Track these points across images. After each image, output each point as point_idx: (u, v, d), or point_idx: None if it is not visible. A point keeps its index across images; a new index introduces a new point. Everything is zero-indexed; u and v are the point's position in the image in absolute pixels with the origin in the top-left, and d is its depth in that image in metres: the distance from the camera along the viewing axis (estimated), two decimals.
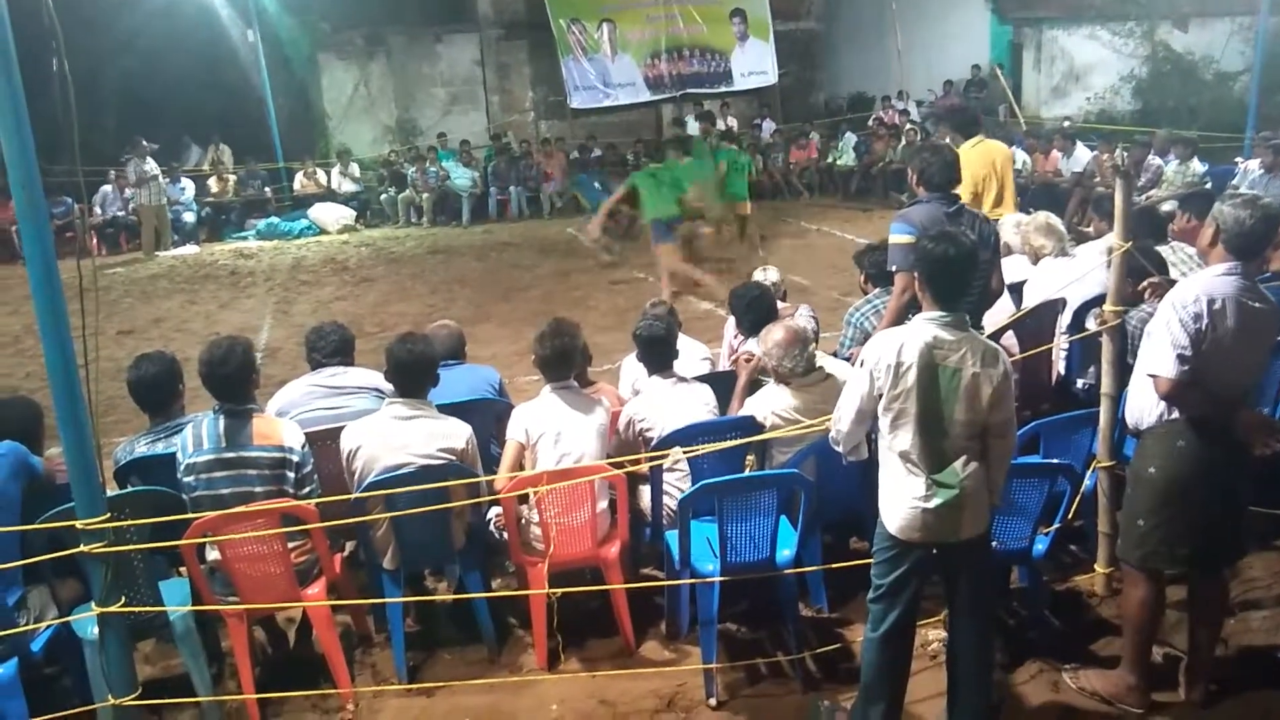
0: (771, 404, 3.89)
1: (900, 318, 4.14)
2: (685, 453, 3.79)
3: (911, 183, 4.63)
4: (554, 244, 13.46)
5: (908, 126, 15.79)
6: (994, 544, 3.37)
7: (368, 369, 4.51)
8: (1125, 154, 9.91)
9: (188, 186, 15.06)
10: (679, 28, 17.83)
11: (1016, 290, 5.22)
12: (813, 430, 3.64)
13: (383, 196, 15.86)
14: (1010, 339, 4.68)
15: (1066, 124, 13.94)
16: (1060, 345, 4.99)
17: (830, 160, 16.43)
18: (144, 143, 13.55)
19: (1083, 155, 11.99)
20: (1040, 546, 3.68)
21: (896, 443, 2.91)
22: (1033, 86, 18.08)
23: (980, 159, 6.28)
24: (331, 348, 4.44)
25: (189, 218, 14.71)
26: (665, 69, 17.96)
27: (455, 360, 4.69)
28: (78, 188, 13.47)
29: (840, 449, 3.11)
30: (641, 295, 9.94)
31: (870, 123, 17.43)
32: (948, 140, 6.46)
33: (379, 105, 17.81)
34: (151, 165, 13.63)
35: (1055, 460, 3.67)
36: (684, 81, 18.08)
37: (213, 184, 15.67)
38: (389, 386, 3.97)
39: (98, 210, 14.17)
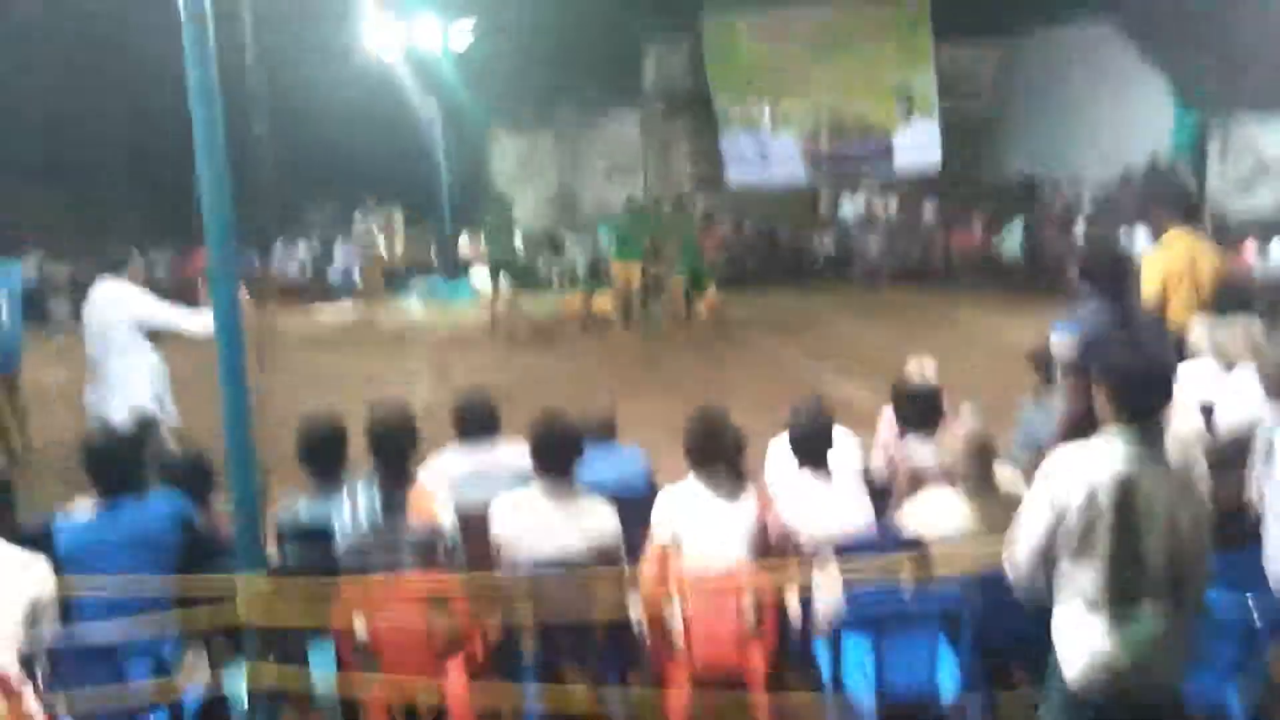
0: (939, 515, 3.66)
1: (1075, 430, 3.86)
2: (843, 568, 3.61)
3: (1078, 281, 4.37)
4: (704, 319, 13.44)
5: (1080, 215, 15.16)
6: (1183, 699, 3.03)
7: (517, 444, 4.52)
8: None
9: (358, 246, 15.92)
10: (841, 106, 17.70)
11: (1208, 403, 4.81)
12: (985, 549, 3.39)
13: (541, 264, 16.31)
14: (1199, 460, 4.30)
15: (1256, 221, 13.05)
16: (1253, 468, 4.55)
17: (995, 246, 15.89)
18: (368, 200, 14.43)
19: (1277, 255, 11.19)
20: (1235, 704, 3.30)
21: (1078, 580, 2.65)
22: (1218, 179, 17.07)
23: (1180, 253, 5.74)
24: (481, 420, 4.47)
25: (356, 276, 15.54)
26: (825, 147, 17.84)
27: (604, 440, 4.66)
28: (260, 242, 14.57)
29: (1015, 587, 2.86)
30: (791, 375, 9.84)
31: (1039, 209, 16.81)
32: (1158, 224, 6.08)
33: (543, 175, 18.44)
34: (369, 221, 14.51)
35: (1251, 596, 3.29)
36: (844, 161, 17.91)
37: (382, 245, 16.49)
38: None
39: (278, 266, 15.11)
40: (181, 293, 15.00)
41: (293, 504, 4.02)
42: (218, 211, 3.26)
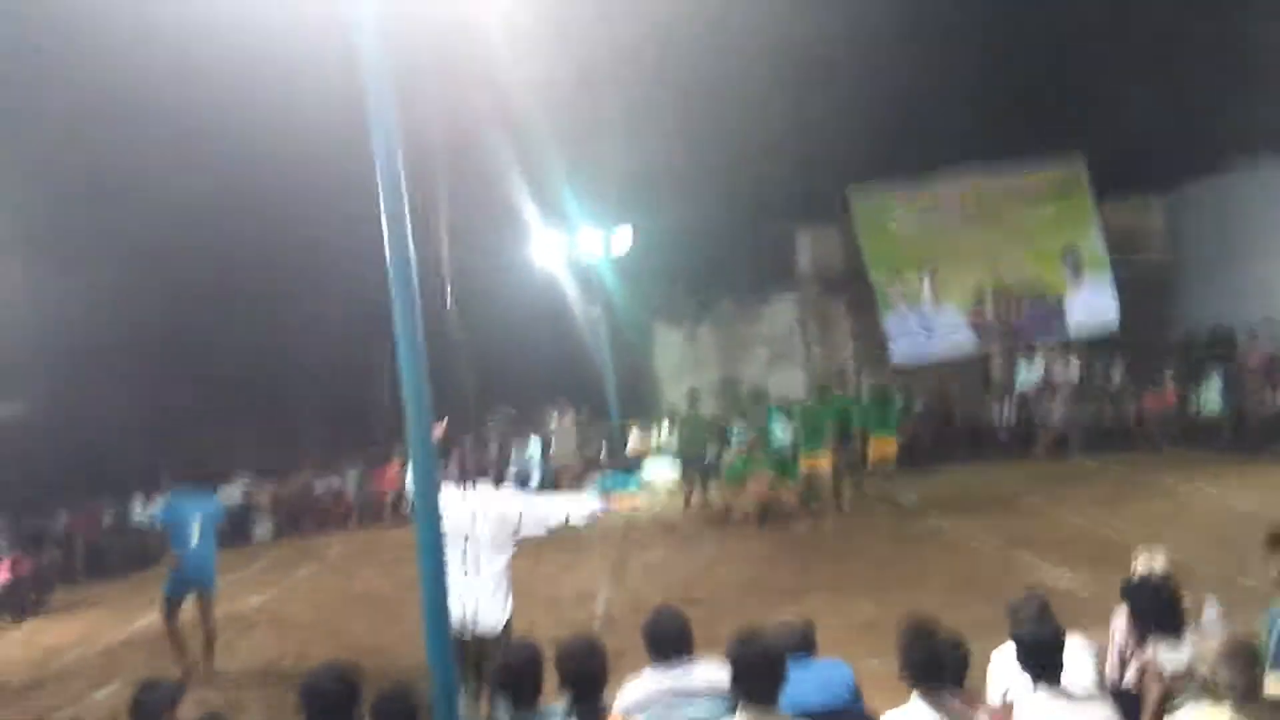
0: None
1: None
2: None
3: None
4: (881, 503, 12.97)
5: None
6: None
7: (714, 662, 4.31)
8: None
9: (536, 446, 16.39)
10: (1006, 273, 17.28)
11: None
12: None
13: (708, 455, 16.27)
14: None
15: None
16: None
17: (1194, 407, 14.80)
18: (565, 400, 15.05)
19: None
20: None
21: None
22: None
23: None
24: (674, 640, 4.29)
25: (536, 474, 15.92)
26: (992, 316, 17.34)
27: (805, 655, 4.39)
28: (444, 451, 15.19)
29: None
30: (986, 563, 9.20)
31: (1237, 360, 15.67)
32: None
33: (705, 365, 18.73)
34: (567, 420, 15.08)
35: None
36: (1013, 329, 17.35)
37: (555, 445, 16.91)
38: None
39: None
40: (373, 507, 15.98)
41: None
42: (419, 425, 3.40)
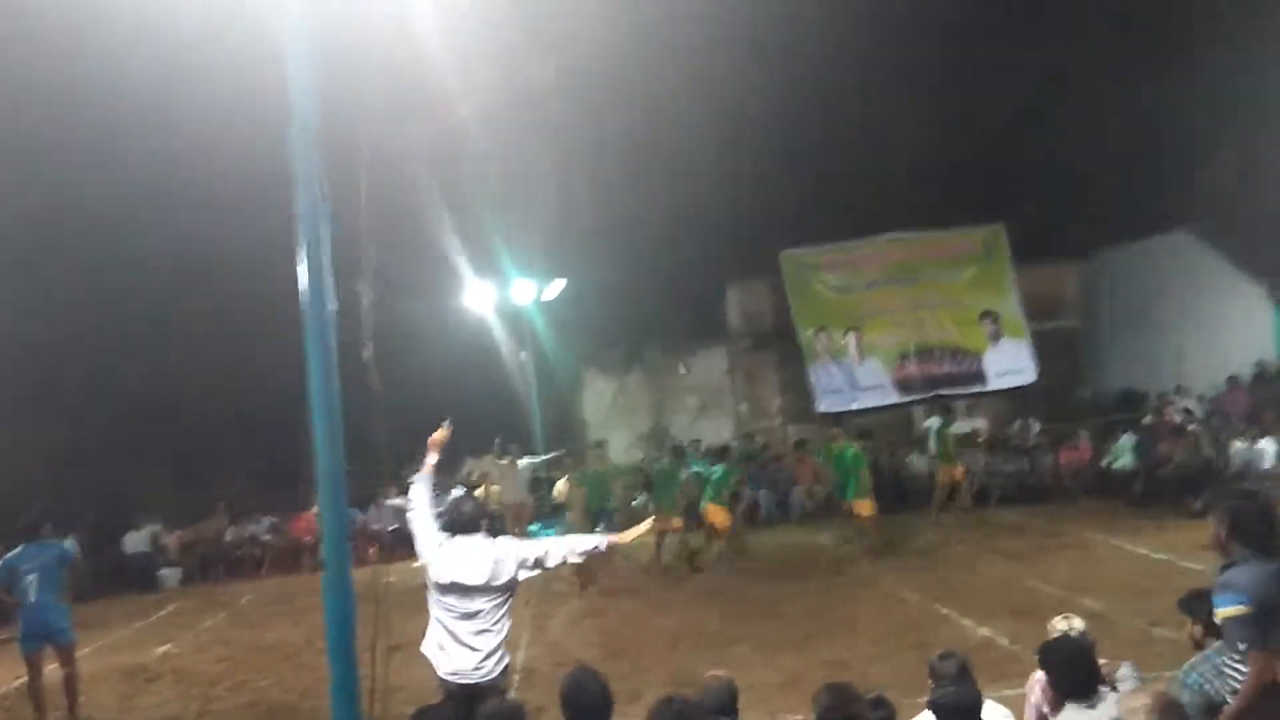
0: None
1: (1255, 708, 3.45)
2: None
3: (1219, 535, 4.01)
4: (806, 552, 13.01)
5: (1190, 426, 14.56)
6: None
7: None
8: None
9: (458, 495, 16.07)
10: (928, 331, 17.75)
11: None
12: None
13: (634, 503, 16.17)
14: None
15: None
16: None
17: (1107, 462, 15.26)
18: (497, 441, 14.75)
19: None
20: None
21: None
22: None
23: None
24: (591, 706, 4.14)
25: None
26: (915, 371, 17.73)
27: (726, 717, 4.31)
28: (364, 499, 14.84)
29: None
30: (909, 615, 9.26)
31: (1148, 420, 16.21)
32: None
33: (634, 413, 18.73)
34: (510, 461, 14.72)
35: None
36: (935, 383, 17.72)
37: (479, 493, 16.58)
38: None
39: (376, 523, 15.29)
40: (288, 555, 15.45)
41: None
42: (332, 474, 3.29)
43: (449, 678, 5.18)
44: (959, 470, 14.26)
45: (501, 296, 17.28)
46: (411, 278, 15.66)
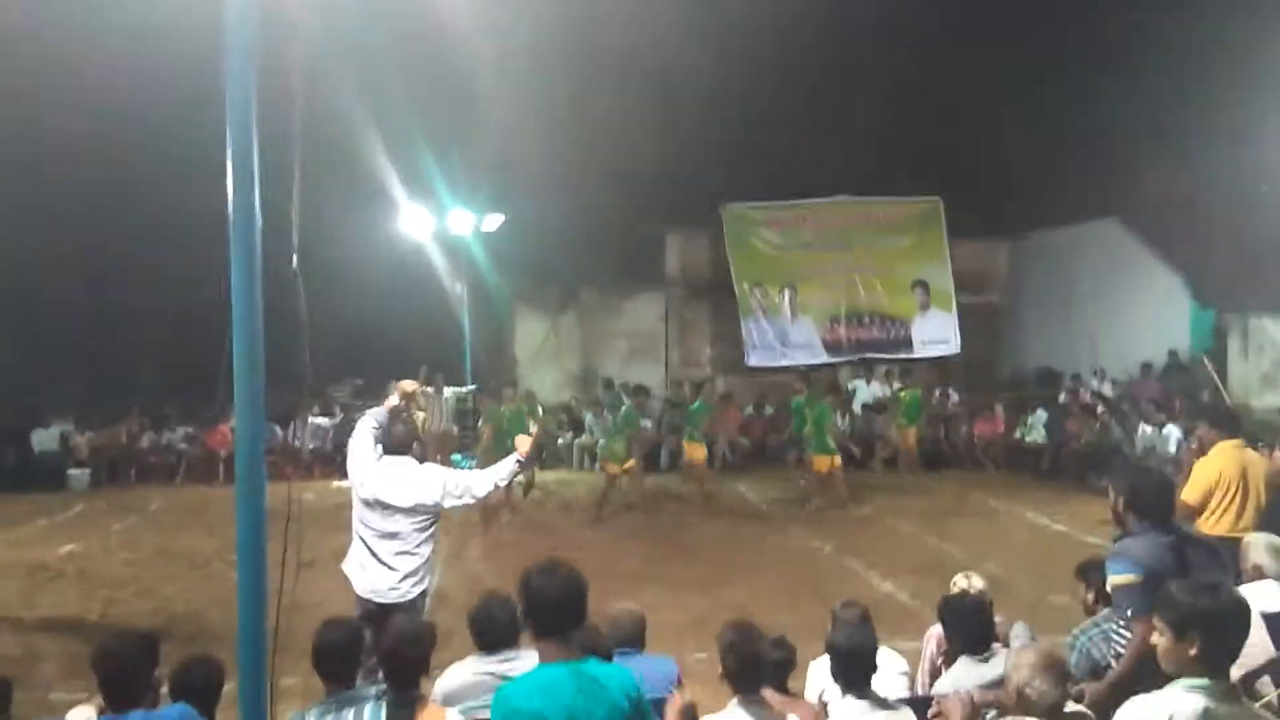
0: None
1: (1138, 671, 3.64)
2: None
3: (1117, 506, 4.20)
4: (724, 501, 13.24)
5: (1100, 409, 15.12)
6: None
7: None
8: None
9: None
10: (860, 295, 18.04)
11: (1273, 621, 4.53)
12: None
13: (560, 441, 16.25)
14: (1268, 689, 4.01)
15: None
16: None
17: (1019, 436, 15.79)
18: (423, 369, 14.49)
19: None
20: None
21: None
22: (1240, 375, 17.08)
23: (1232, 464, 5.63)
24: (500, 629, 4.21)
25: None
26: (844, 334, 18.04)
27: (634, 650, 4.41)
28: (285, 416, 14.62)
29: None
30: (818, 566, 9.54)
31: (1062, 399, 16.78)
32: (1202, 434, 5.97)
33: (565, 353, 18.72)
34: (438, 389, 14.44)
35: None
36: (862, 346, 18.08)
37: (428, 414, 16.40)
38: None
39: (299, 440, 15.10)
40: (207, 466, 15.18)
41: (302, 714, 3.78)
42: (250, 386, 3.23)
43: (366, 595, 5.22)
44: (913, 434, 14.53)
45: (439, 225, 16.98)
46: (346, 196, 15.31)
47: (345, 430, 15.51)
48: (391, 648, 3.48)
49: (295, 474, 14.79)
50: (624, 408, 12.73)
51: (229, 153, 3.80)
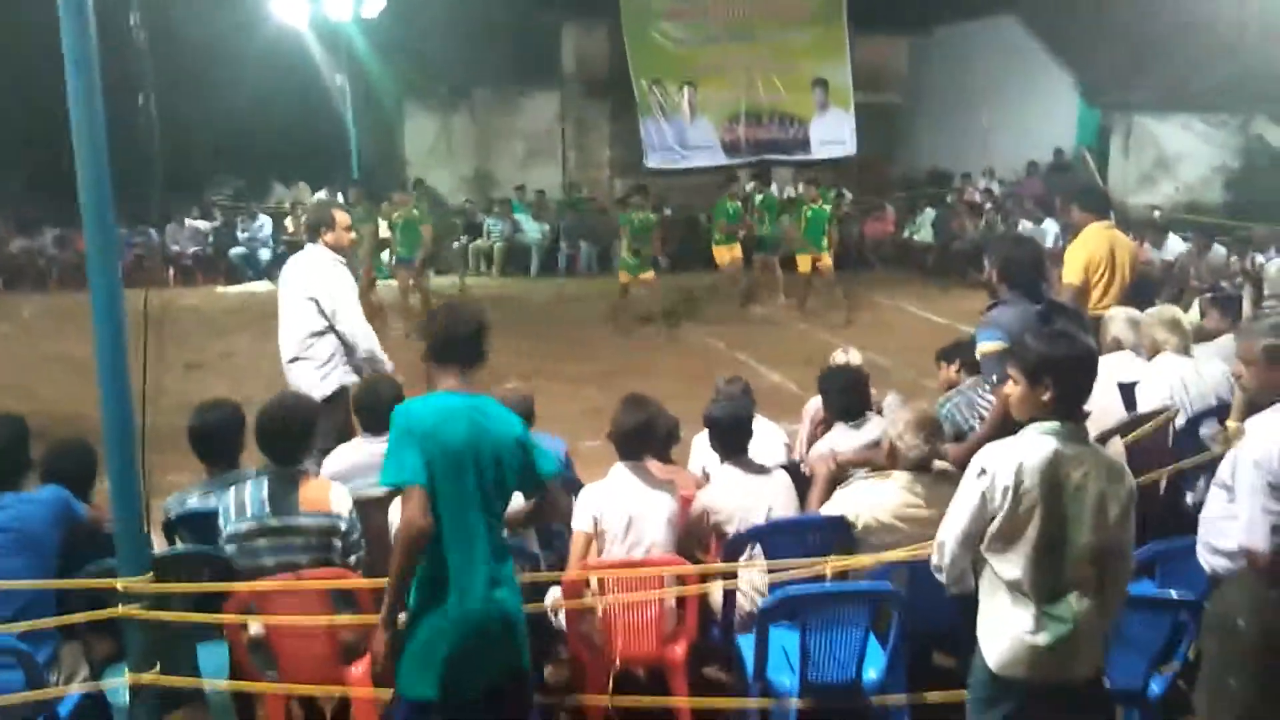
0: (871, 502, 3.57)
1: (1000, 430, 3.85)
2: (771, 569, 3.50)
3: (990, 278, 4.32)
4: (622, 303, 13.30)
5: (988, 206, 15.50)
6: (1105, 683, 3.03)
7: None
8: (1259, 259, 9.52)
9: (265, 223, 15.31)
10: (759, 93, 17.73)
11: (1127, 390, 4.86)
12: (918, 544, 3.28)
13: (454, 244, 15.94)
14: (1117, 445, 4.34)
15: (1156, 213, 13.53)
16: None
17: (907, 234, 16.16)
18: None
19: (1175, 246, 11.57)
20: (1156, 687, 3.32)
21: (1006, 569, 2.61)
22: (1120, 173, 17.63)
23: (1101, 245, 5.77)
24: (387, 409, 4.23)
25: (265, 254, 14.91)
26: (743, 134, 17.84)
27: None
28: (159, 219, 13.90)
29: (942, 579, 2.78)
30: (712, 361, 9.79)
31: (950, 199, 17.12)
32: (1074, 217, 6.15)
33: (458, 155, 18.06)
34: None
35: (1175, 593, 3.31)
36: (760, 147, 17.93)
37: (289, 223, 15.86)
38: None
39: (175, 244, 14.45)
40: (79, 270, 14.40)
41: (184, 495, 3.77)
42: (95, 188, 3.00)
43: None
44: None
45: (315, 10, 15.71)
46: None
47: (226, 234, 15.01)
48: (268, 421, 3.45)
49: (176, 279, 14.30)
50: (639, 216, 11.97)
51: None
